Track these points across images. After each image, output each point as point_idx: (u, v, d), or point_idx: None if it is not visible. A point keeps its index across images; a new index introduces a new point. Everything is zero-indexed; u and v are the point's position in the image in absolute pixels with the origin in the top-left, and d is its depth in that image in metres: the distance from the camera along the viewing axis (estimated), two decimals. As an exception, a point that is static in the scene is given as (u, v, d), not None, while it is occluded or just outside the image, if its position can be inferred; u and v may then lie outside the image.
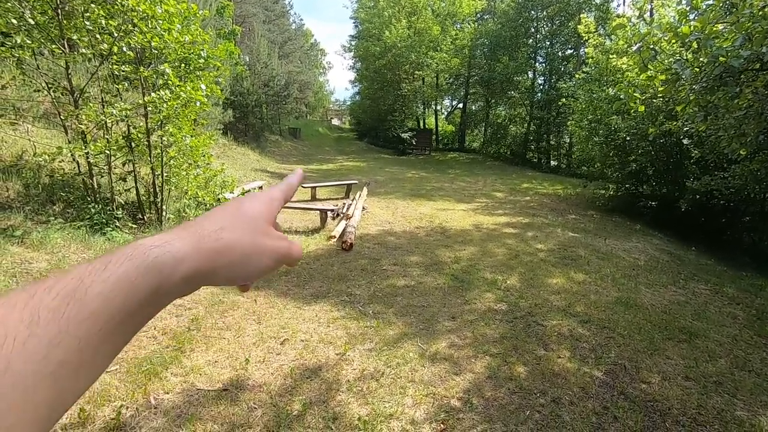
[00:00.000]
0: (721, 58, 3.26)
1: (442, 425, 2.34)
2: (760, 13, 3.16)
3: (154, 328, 3.14)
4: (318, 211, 6.99)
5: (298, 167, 0.49)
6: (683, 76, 3.96)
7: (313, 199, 9.30)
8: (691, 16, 3.96)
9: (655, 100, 6.06)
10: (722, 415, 2.55)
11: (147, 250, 0.30)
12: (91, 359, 0.26)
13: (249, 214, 0.38)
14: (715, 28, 3.37)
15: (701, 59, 3.73)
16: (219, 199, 6.40)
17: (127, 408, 2.29)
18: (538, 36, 23.33)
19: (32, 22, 4.15)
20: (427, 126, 30.21)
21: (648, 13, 11.14)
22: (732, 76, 3.47)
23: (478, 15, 27.47)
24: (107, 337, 0.27)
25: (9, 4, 4.01)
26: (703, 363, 3.15)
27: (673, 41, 4.10)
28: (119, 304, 0.28)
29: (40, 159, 4.35)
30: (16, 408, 0.23)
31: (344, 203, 8.08)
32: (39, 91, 4.67)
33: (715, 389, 2.82)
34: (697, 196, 7.63)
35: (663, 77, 4.28)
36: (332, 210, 7.01)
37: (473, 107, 28.51)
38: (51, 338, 0.24)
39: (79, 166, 4.87)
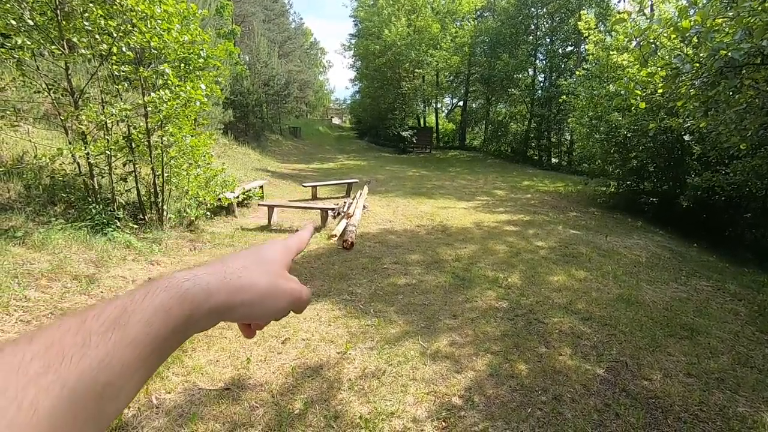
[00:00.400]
0: (721, 52, 3.24)
1: (443, 423, 2.34)
2: (760, 7, 3.15)
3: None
4: (319, 210, 7.00)
5: (309, 222, 0.53)
6: (684, 71, 3.94)
7: (314, 198, 9.30)
8: (691, 12, 3.94)
9: (655, 96, 6.05)
10: (724, 412, 2.55)
11: (180, 282, 0.33)
12: (128, 382, 0.29)
13: (268, 258, 0.42)
14: (715, 22, 3.35)
15: (701, 54, 3.72)
16: (219, 199, 6.41)
17: (129, 408, 2.29)
18: (538, 33, 23.29)
19: (31, 23, 4.15)
20: (427, 124, 30.20)
21: (648, 8, 11.09)
22: (732, 69, 3.46)
23: (478, 12, 27.42)
24: (143, 362, 0.30)
25: (8, 5, 4.01)
26: (705, 360, 3.15)
27: (673, 36, 4.08)
28: (156, 331, 0.30)
29: (41, 160, 4.35)
30: (72, 423, 0.25)
31: (345, 202, 8.09)
32: (39, 92, 4.67)
33: (716, 386, 2.82)
34: (698, 193, 7.61)
35: (663, 73, 4.26)
36: (333, 209, 7.02)
37: (473, 105, 28.49)
38: (100, 360, 0.27)
39: (79, 167, 4.88)
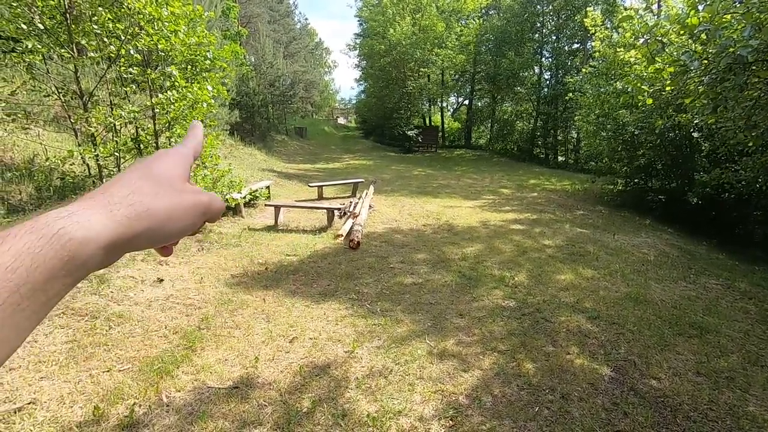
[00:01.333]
0: (730, 49, 3.21)
1: (450, 422, 2.35)
2: (770, 2, 3.11)
3: (165, 327, 3.18)
4: (325, 210, 7.02)
5: (197, 121, 0.46)
6: (692, 68, 3.91)
7: (320, 198, 9.33)
8: (700, 8, 3.90)
9: (663, 93, 6.00)
10: (734, 411, 2.53)
11: (51, 221, 0.29)
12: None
13: (161, 173, 0.37)
14: (724, 19, 3.32)
15: (710, 50, 3.68)
16: (226, 199, 6.45)
17: (140, 406, 2.33)
18: (544, 31, 23.14)
19: (42, 27, 4.22)
20: (432, 123, 30.13)
21: (655, 5, 10.99)
22: (741, 66, 3.42)
23: (483, 11, 27.32)
24: (14, 310, 0.27)
25: (18, 9, 4.08)
26: (715, 358, 3.12)
27: (681, 32, 4.05)
28: (21, 275, 0.27)
29: (52, 162, 4.42)
30: None
31: (351, 202, 8.10)
32: (49, 95, 4.74)
33: (726, 385, 2.80)
34: (707, 190, 7.52)
35: (671, 69, 4.23)
36: (339, 209, 7.04)
37: (479, 104, 28.39)
38: None
39: (89, 169, 4.95)
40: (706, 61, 3.74)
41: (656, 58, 4.83)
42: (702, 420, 2.45)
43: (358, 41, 33.46)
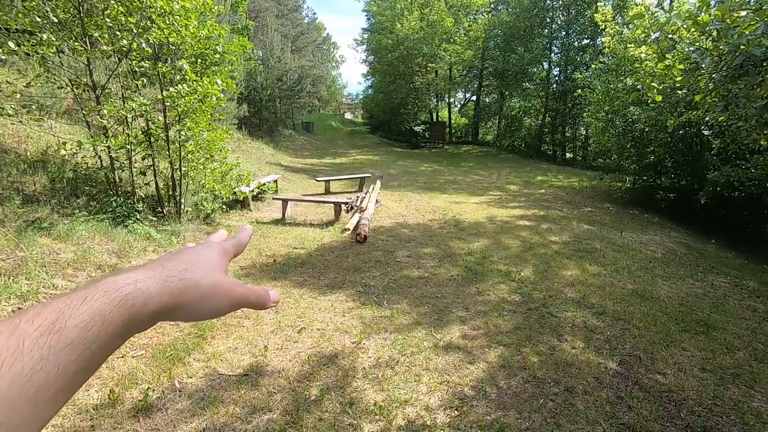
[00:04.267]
0: (741, 47, 3.18)
1: (456, 412, 2.39)
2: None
3: (176, 317, 3.25)
4: (332, 204, 7.06)
5: (249, 225, 0.54)
6: (703, 66, 3.88)
7: (327, 192, 9.38)
8: (713, 2, 3.87)
9: (679, 92, 5.91)
10: (739, 406, 2.54)
11: (120, 287, 0.34)
12: (66, 383, 0.29)
13: (208, 261, 0.43)
14: (735, 15, 3.28)
15: (721, 47, 3.65)
16: (235, 193, 6.52)
17: (154, 390, 2.39)
18: (553, 26, 22.93)
19: (56, 20, 4.27)
20: (440, 119, 30.04)
21: (667, 1, 10.86)
22: (753, 64, 3.39)
23: (492, 6, 27.11)
24: (82, 364, 0.30)
25: (34, 2, 4.13)
26: (721, 355, 3.13)
27: (693, 29, 4.02)
28: (94, 334, 0.31)
29: (64, 152, 4.50)
30: (5, 425, 0.25)
31: (358, 196, 8.14)
32: (62, 87, 4.80)
33: (732, 381, 2.81)
34: (718, 189, 7.46)
35: (681, 66, 4.20)
36: (346, 203, 7.08)
37: (487, 99, 28.26)
38: (34, 364, 0.28)
39: (101, 161, 5.02)
40: (717, 59, 3.71)
41: (666, 56, 4.79)
42: (706, 415, 2.46)
43: (365, 36, 33.35)
